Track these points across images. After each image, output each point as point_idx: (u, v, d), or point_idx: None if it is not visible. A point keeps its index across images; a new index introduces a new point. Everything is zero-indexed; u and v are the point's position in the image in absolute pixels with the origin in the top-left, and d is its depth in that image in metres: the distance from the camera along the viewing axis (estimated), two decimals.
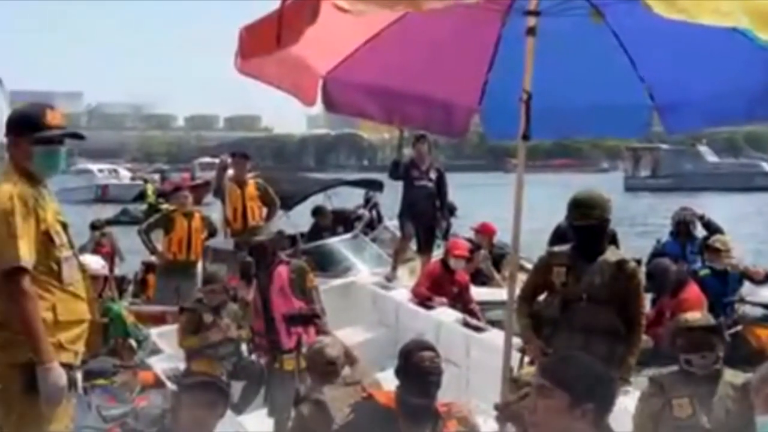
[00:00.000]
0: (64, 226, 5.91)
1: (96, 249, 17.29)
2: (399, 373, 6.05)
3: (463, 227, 18.37)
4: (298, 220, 18.27)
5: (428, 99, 6.85)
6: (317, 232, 18.03)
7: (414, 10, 4.86)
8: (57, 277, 5.72)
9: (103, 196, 67.48)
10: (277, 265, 9.95)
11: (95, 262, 10.64)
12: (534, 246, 10.78)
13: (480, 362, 10.19)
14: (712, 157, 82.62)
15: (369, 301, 13.73)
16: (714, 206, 30.74)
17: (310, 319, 9.76)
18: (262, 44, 5.00)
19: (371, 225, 19.43)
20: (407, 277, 14.65)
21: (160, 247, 15.13)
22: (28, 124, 5.82)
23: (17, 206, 5.52)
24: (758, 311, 12.92)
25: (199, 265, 14.88)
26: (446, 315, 12.05)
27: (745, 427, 6.11)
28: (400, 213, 15.01)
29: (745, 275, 13.16)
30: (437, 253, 14.45)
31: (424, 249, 14.77)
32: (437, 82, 6.65)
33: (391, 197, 17.48)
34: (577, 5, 5.81)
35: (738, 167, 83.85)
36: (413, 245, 15.05)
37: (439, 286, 12.84)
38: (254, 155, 18.16)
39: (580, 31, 5.97)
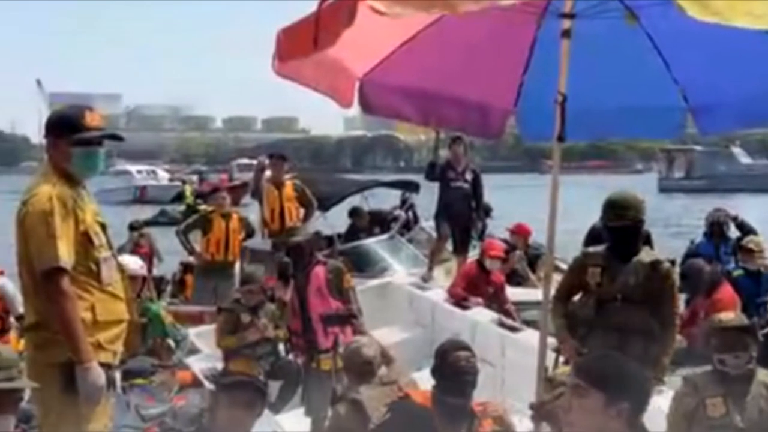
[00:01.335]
0: (103, 226, 5.95)
1: (134, 249, 17.39)
2: (435, 372, 6.08)
3: (498, 228, 18.32)
4: (335, 221, 18.28)
5: (464, 101, 6.86)
6: (354, 232, 18.07)
7: (450, 13, 4.85)
8: (96, 278, 5.75)
9: (141, 197, 67.85)
10: (314, 265, 9.99)
11: (134, 263, 10.74)
12: (569, 246, 10.74)
13: (515, 362, 10.23)
14: (745, 159, 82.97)
15: (405, 302, 13.74)
16: (747, 207, 30.55)
17: (347, 319, 9.80)
18: (300, 46, 5.02)
19: (407, 226, 19.44)
20: (443, 278, 14.63)
21: (198, 247, 15.27)
22: (67, 125, 5.85)
23: (56, 207, 5.56)
24: None
25: (237, 266, 14.96)
26: (482, 315, 12.08)
27: None
28: (436, 214, 14.98)
29: None
30: (473, 254, 14.39)
31: (460, 249, 14.74)
32: (473, 84, 6.67)
33: (427, 198, 17.48)
34: (612, 8, 5.83)
35: None
36: (449, 246, 15.04)
37: (475, 287, 12.86)
38: (292, 156, 18.26)
39: (614, 34, 5.99)
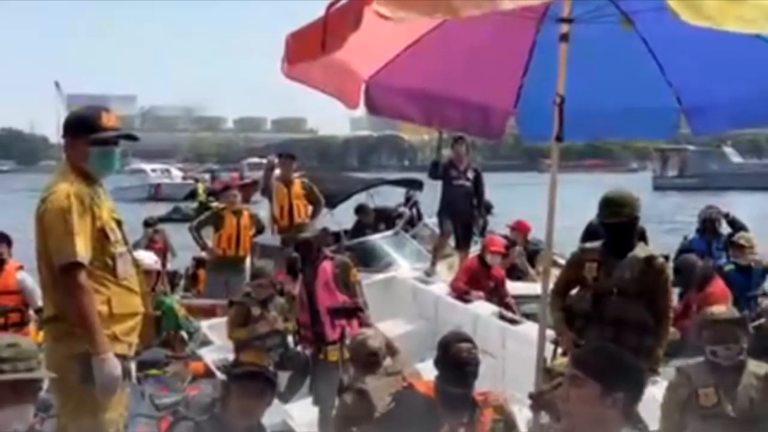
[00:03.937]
0: (119, 223, 6.08)
1: (149, 245, 17.44)
2: (438, 363, 6.19)
3: (499, 225, 18.49)
4: (342, 217, 18.32)
5: (466, 102, 6.95)
6: (360, 229, 18.23)
7: (452, 17, 4.82)
8: (112, 272, 5.89)
9: (156, 194, 68.17)
10: (321, 260, 10.11)
11: (148, 258, 10.93)
12: (567, 242, 10.88)
13: (515, 353, 10.39)
14: (736, 158, 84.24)
15: (409, 295, 13.91)
16: (738, 205, 30.38)
17: (353, 312, 9.93)
18: (308, 50, 5.08)
19: (411, 222, 19.59)
20: (446, 272, 14.82)
21: (210, 243, 15.44)
22: (84, 125, 5.98)
23: (74, 204, 5.69)
24: None
25: (248, 261, 15.15)
26: (483, 308, 12.24)
27: None
28: (439, 211, 15.16)
29: None
30: (474, 249, 14.54)
31: (462, 245, 14.90)
32: (475, 86, 6.76)
33: (430, 196, 17.49)
34: (608, 13, 5.92)
35: (761, 167, 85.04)
36: (451, 242, 15.20)
37: (476, 281, 13.03)
38: (300, 156, 18.28)
39: (610, 38, 6.08)
